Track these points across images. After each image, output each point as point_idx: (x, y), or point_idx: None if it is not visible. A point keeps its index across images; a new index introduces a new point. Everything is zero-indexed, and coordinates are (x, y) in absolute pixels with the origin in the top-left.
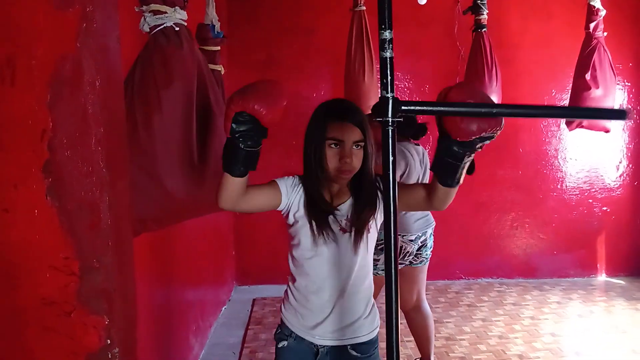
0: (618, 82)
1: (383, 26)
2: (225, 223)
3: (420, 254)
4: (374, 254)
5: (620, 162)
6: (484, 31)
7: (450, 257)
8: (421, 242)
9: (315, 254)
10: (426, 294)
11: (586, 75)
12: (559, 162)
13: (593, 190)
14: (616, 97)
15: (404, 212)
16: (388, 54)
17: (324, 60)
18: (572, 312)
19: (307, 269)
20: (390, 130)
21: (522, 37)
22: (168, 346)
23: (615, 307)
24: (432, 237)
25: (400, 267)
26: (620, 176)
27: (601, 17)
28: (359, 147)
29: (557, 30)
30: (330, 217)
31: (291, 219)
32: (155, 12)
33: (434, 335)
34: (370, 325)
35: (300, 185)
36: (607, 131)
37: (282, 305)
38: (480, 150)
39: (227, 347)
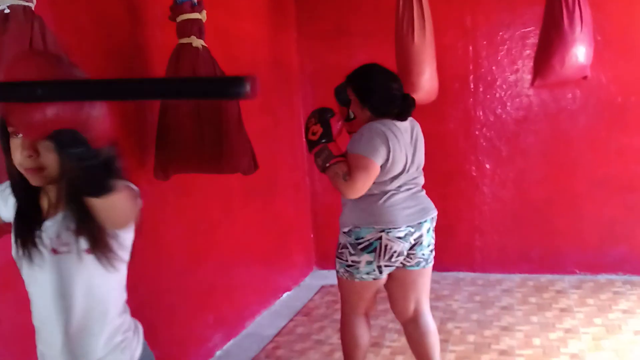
0: None
1: None
2: (299, 205)
3: (413, 254)
4: (353, 254)
5: None
6: None
7: (561, 247)
8: (414, 240)
9: (31, 278)
10: (521, 290)
11: None
12: None
13: None
14: None
15: (379, 196)
16: None
17: None
18: None
19: (30, 296)
20: None
21: None
22: (169, 335)
23: None
24: (432, 232)
25: (388, 270)
26: None
27: None
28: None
29: None
30: (38, 233)
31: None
32: None
33: (437, 355)
34: None
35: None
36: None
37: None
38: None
39: (259, 339)
